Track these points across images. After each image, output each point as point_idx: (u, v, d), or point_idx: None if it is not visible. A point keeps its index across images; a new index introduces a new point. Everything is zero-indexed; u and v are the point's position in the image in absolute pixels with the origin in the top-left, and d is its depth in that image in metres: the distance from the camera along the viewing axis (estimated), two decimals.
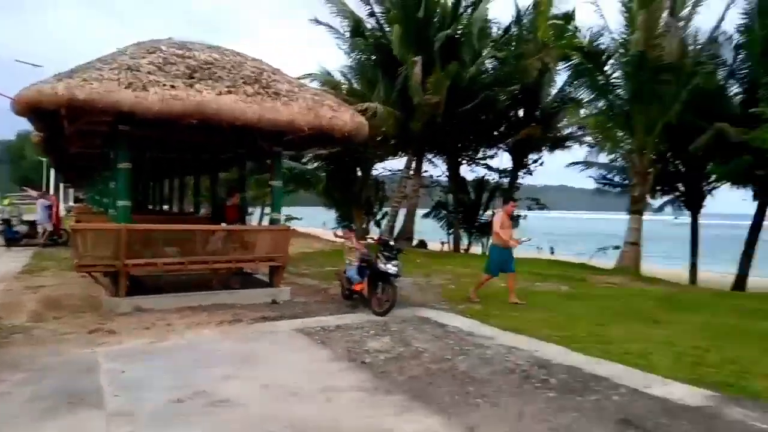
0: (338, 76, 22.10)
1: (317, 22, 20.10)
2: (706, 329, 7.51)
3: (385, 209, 23.99)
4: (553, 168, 26.11)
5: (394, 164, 39.35)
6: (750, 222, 18.19)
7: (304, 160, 23.24)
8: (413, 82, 17.54)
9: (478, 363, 5.61)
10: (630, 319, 8.10)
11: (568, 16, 18.87)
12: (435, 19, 19.49)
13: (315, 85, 19.87)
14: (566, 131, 22.49)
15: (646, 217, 16.90)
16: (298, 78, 16.37)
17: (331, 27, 20.25)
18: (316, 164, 23.05)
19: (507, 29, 21.14)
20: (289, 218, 25.24)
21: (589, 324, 7.57)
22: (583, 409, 4.43)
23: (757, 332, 7.46)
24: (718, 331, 7.44)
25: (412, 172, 21.00)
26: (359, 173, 22.62)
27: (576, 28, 18.23)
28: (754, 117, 13.87)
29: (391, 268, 7.88)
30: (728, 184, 17.89)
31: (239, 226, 8.94)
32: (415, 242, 22.25)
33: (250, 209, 21.37)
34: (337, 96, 13.79)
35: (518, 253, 9.32)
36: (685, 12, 15.22)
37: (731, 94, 17.85)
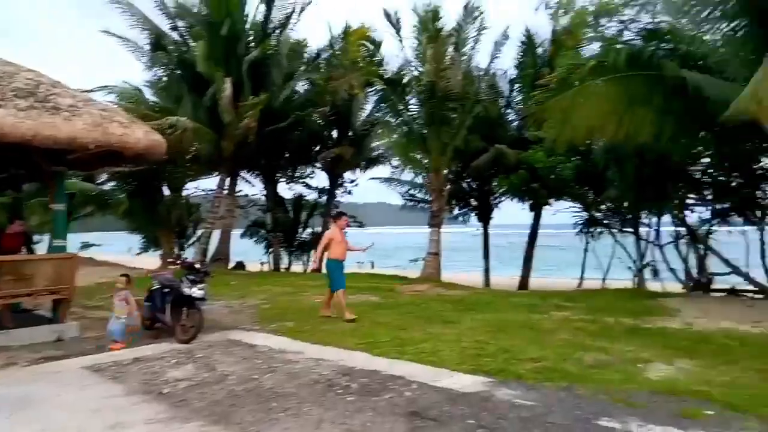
0: (146, 92, 20.68)
1: (109, 33, 18.56)
2: (488, 325, 8.55)
3: (200, 231, 22.83)
4: (372, 186, 27.59)
5: (209, 183, 37.68)
6: (528, 230, 21.32)
7: (101, 180, 21.09)
8: (223, 102, 17.11)
9: (285, 378, 5.69)
10: (427, 321, 8.89)
11: (377, 43, 20.17)
12: (242, 38, 19.29)
13: (112, 98, 18.33)
14: (377, 152, 23.95)
15: (453, 229, 18.70)
16: (92, 90, 14.91)
17: (127, 39, 18.84)
18: (114, 184, 21.00)
19: (319, 52, 21.84)
20: (86, 245, 22.73)
21: (392, 330, 8.14)
22: (378, 407, 4.77)
23: (528, 324, 8.71)
24: (498, 325, 8.52)
25: (225, 191, 20.37)
26: (167, 193, 21.19)
27: (382, 57, 19.69)
28: (527, 140, 16.47)
29: (196, 291, 7.57)
30: (510, 197, 20.71)
31: (9, 257, 7.80)
32: (232, 264, 21.55)
33: (36, 237, 18.69)
34: (138, 111, 12.89)
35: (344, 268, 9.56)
36: (467, 48, 17.37)
37: (509, 120, 20.89)
